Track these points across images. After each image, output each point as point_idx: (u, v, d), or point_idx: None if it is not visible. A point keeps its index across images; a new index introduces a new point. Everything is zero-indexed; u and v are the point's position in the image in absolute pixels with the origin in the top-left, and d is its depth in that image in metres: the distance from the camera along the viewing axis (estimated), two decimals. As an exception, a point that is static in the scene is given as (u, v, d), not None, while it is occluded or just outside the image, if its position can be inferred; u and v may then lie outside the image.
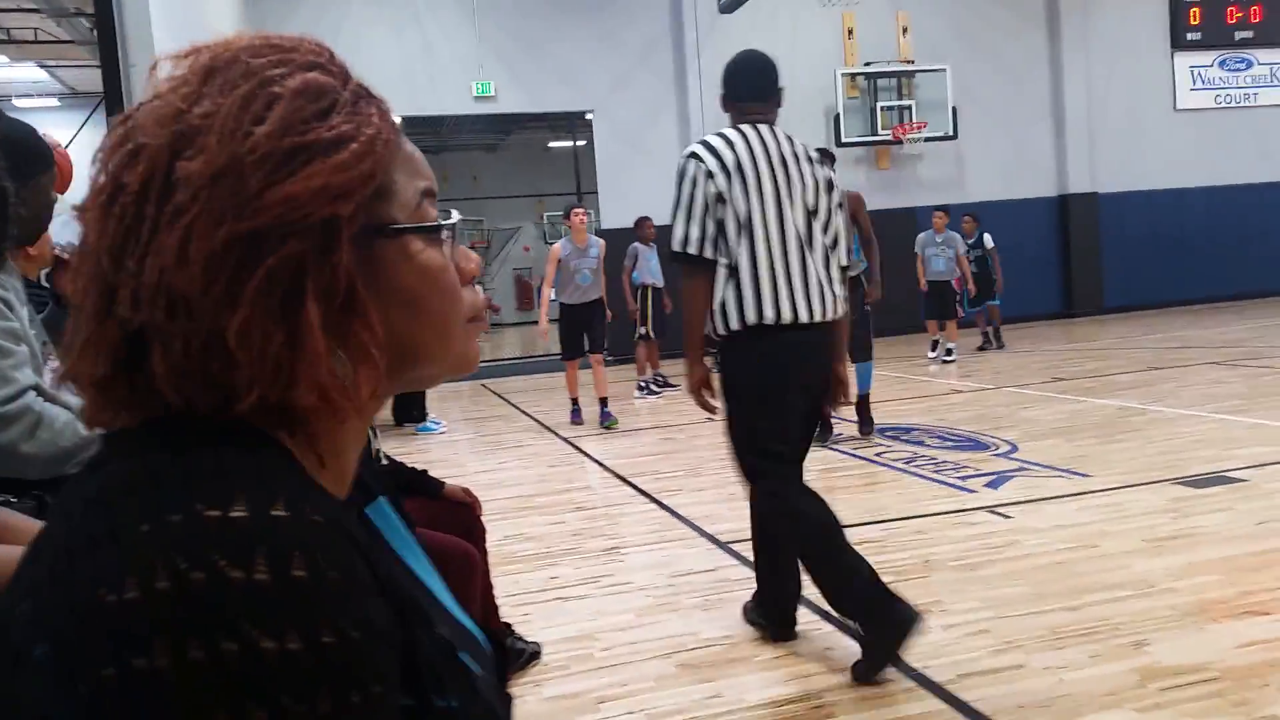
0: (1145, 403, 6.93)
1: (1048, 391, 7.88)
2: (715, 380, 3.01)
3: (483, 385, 11.23)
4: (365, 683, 0.49)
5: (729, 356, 2.96)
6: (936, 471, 5.29)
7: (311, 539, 0.50)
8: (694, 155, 2.91)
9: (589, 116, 13.90)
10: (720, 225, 2.87)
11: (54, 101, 16.54)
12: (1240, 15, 15.30)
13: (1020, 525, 4.12)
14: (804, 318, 2.88)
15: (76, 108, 14.93)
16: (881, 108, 13.92)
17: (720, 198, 2.86)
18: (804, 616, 3.16)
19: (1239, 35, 15.35)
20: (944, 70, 13.88)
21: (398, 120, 0.64)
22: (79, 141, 8.42)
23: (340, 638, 0.48)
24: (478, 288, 0.68)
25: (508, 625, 3.00)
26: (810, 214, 2.95)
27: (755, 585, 3.20)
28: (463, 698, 0.59)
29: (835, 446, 6.17)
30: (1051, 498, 4.55)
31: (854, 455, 5.90)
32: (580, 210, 7.82)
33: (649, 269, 9.22)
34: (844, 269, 3.12)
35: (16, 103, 15.86)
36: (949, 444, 6.04)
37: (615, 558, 4.12)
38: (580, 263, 7.63)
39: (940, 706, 2.56)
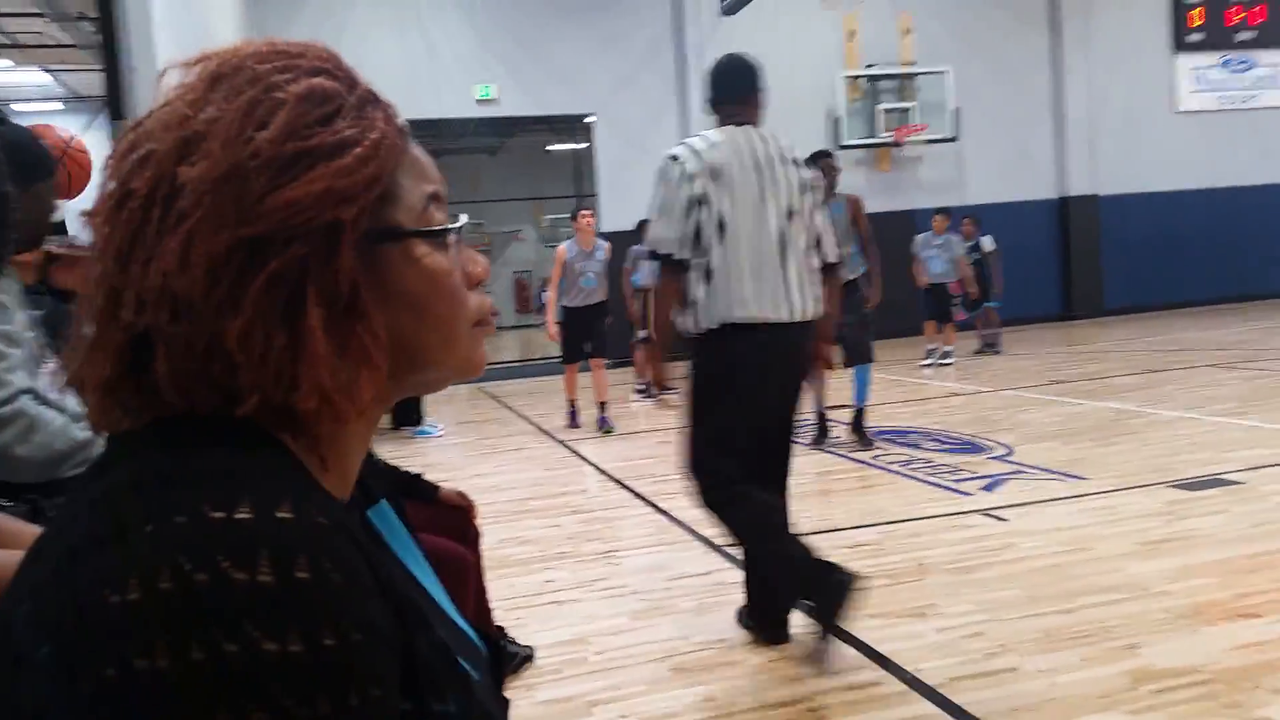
0: (1143, 405, 6.93)
1: (1045, 394, 7.88)
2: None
3: (480, 389, 11.23)
4: (365, 685, 0.50)
5: (702, 354, 3.00)
6: (932, 474, 5.29)
7: (315, 541, 0.51)
8: (675, 157, 2.95)
9: (590, 119, 13.92)
10: (699, 226, 2.91)
11: (57, 106, 16.56)
12: (1241, 17, 15.29)
13: (1015, 528, 4.13)
14: (778, 317, 2.93)
15: (79, 112, 14.96)
16: (883, 110, 13.93)
17: (700, 199, 2.90)
18: (797, 620, 3.17)
19: (1240, 37, 15.34)
20: (945, 72, 13.89)
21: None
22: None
23: (342, 640, 0.49)
24: (485, 292, 0.68)
25: (501, 629, 3.00)
26: (789, 215, 2.99)
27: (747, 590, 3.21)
28: (460, 702, 0.60)
29: (831, 449, 6.17)
30: (1047, 501, 4.55)
31: (849, 458, 5.91)
32: (588, 212, 7.82)
33: (649, 272, 9.21)
34: (832, 265, 3.16)
35: (20, 107, 15.88)
36: (945, 447, 6.04)
37: (610, 561, 4.13)
38: (585, 265, 7.63)
39: (933, 710, 2.56)
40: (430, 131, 18.06)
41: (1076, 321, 14.56)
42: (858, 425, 6.17)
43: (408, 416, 8.04)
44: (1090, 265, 14.85)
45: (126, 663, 0.46)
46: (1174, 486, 4.61)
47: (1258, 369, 8.38)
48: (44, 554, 0.53)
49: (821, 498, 5.11)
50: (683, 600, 3.55)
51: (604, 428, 7.54)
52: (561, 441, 7.33)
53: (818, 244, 3.11)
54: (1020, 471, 5.19)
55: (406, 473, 2.80)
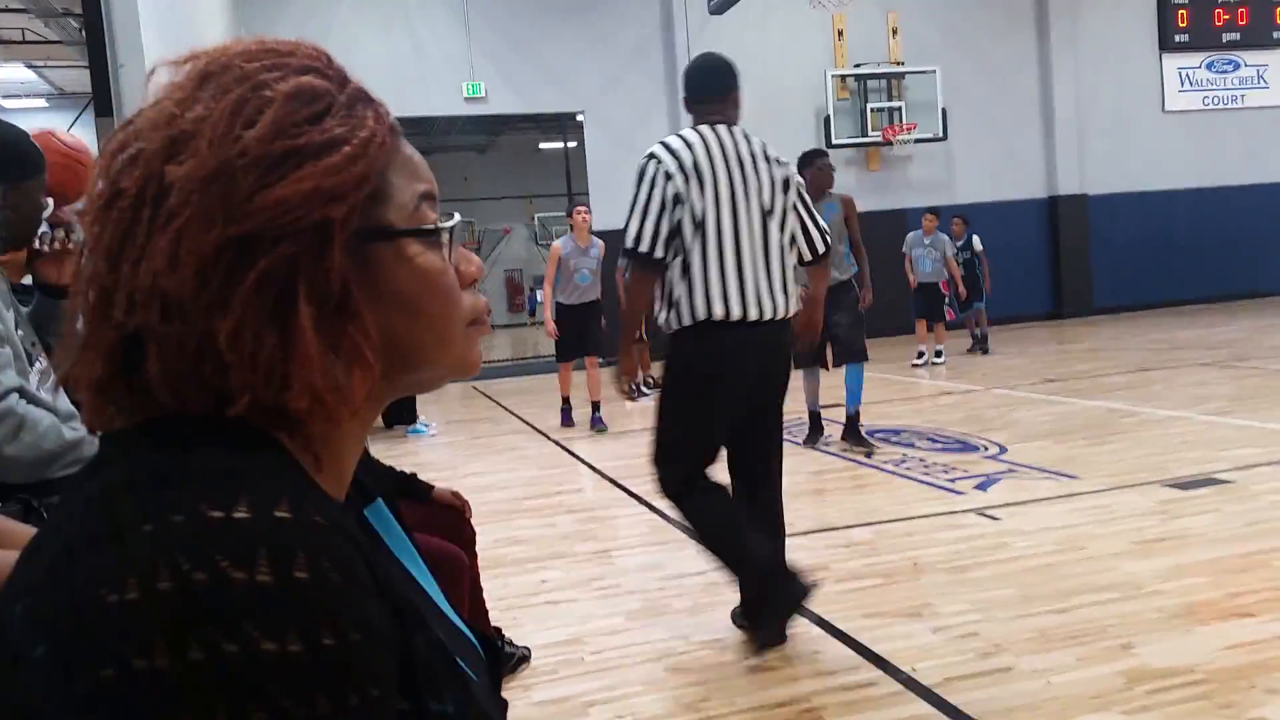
0: (1134, 404, 6.96)
1: (1037, 393, 7.90)
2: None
3: (472, 387, 11.21)
4: (364, 685, 0.49)
5: (678, 350, 3.03)
6: (926, 473, 5.30)
7: (314, 540, 0.50)
8: (653, 156, 2.98)
9: (580, 118, 13.92)
10: (677, 225, 2.93)
11: (42, 102, 16.47)
12: (1228, 18, 15.39)
13: (1009, 527, 4.13)
14: (753, 315, 2.95)
15: (65, 108, 14.88)
16: (871, 109, 13.97)
17: (678, 199, 2.92)
18: (794, 621, 3.17)
19: (1226, 37, 15.44)
20: (934, 72, 13.93)
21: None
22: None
23: (340, 639, 0.49)
24: (479, 291, 0.68)
25: (497, 629, 2.99)
26: (766, 213, 3.01)
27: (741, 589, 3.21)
28: (458, 702, 0.59)
29: (824, 448, 6.17)
30: (1040, 500, 4.56)
31: (843, 457, 5.91)
32: (583, 209, 7.81)
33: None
34: (821, 255, 3.19)
35: (4, 103, 15.79)
36: (938, 446, 6.05)
37: (605, 561, 4.12)
38: (580, 262, 7.62)
39: (928, 710, 2.56)
40: (418, 129, 18.07)
41: (1066, 320, 14.62)
42: (854, 430, 6.04)
43: (400, 415, 8.02)
44: (1079, 264, 14.92)
45: (124, 662, 0.46)
46: (1166, 485, 4.63)
47: (1248, 368, 8.43)
48: (40, 553, 0.52)
49: (815, 497, 5.11)
50: (678, 600, 3.54)
51: (597, 427, 7.53)
52: (555, 441, 7.32)
53: (806, 237, 3.14)
54: (1013, 470, 5.20)
55: (401, 472, 2.79)
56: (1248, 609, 3.05)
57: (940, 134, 14.00)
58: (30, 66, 14.94)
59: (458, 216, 0.66)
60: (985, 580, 3.49)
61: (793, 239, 3.12)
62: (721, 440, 3.06)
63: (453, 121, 17.63)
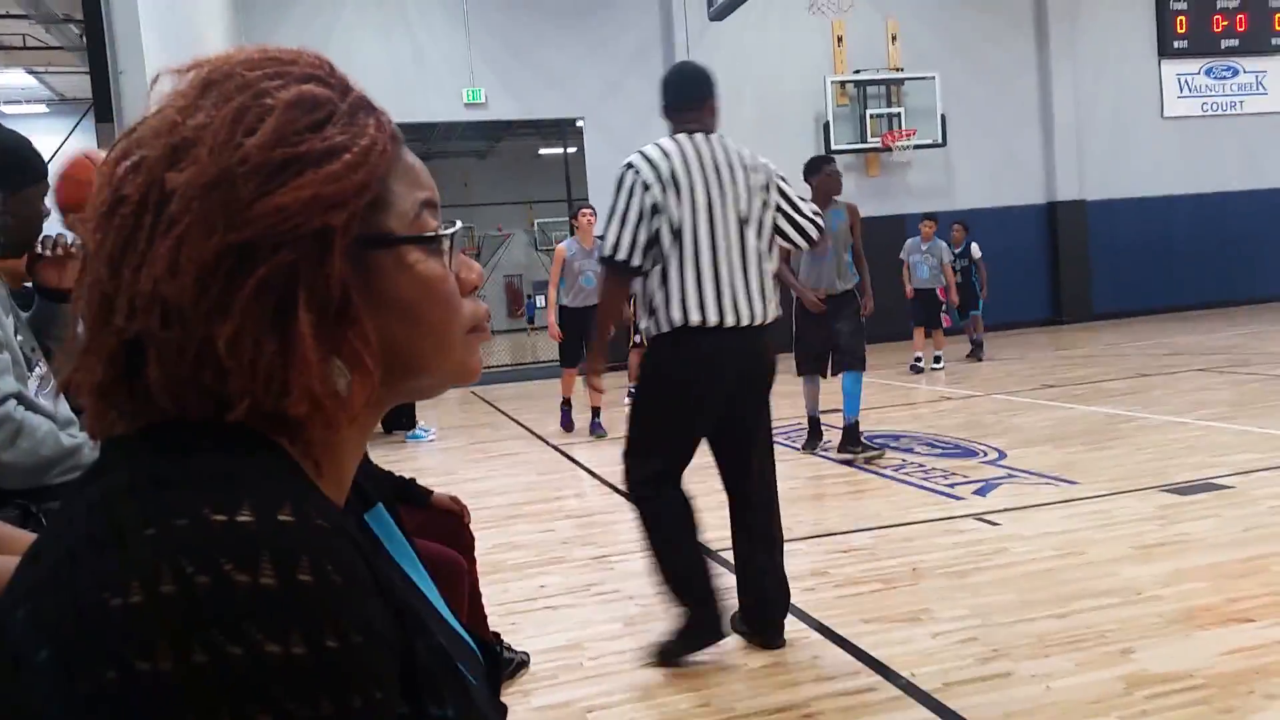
0: (1133, 409, 6.96)
1: (1036, 398, 7.91)
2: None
3: (471, 392, 11.21)
4: (367, 687, 0.50)
5: (656, 355, 3.07)
6: (925, 478, 5.30)
7: (317, 544, 0.50)
8: (631, 166, 3.02)
9: (580, 123, 13.94)
10: (655, 234, 2.97)
11: (42, 108, 16.50)
12: (1226, 24, 15.43)
13: (1008, 532, 4.13)
14: (730, 321, 2.99)
15: (65, 114, 14.90)
16: (871, 115, 13.99)
17: (656, 208, 2.96)
18: (792, 625, 3.17)
19: (1225, 43, 15.48)
20: (933, 78, 13.95)
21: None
22: (68, 148, 8.40)
23: (344, 642, 0.49)
24: (479, 298, 0.68)
25: (496, 634, 2.99)
26: (743, 221, 3.04)
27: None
28: (458, 706, 0.59)
29: (824, 454, 6.17)
30: (1040, 505, 4.56)
31: (842, 462, 5.90)
32: (588, 210, 7.80)
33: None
34: (816, 240, 3.24)
35: (5, 109, 15.81)
36: (938, 451, 6.05)
37: (604, 566, 4.12)
38: (585, 264, 7.61)
39: (927, 715, 2.56)
40: (418, 135, 18.10)
41: (1065, 326, 14.63)
42: (853, 437, 5.94)
43: (399, 421, 8.02)
44: (1078, 270, 14.93)
45: (127, 665, 0.46)
46: (1166, 491, 4.63)
47: (1246, 373, 8.43)
48: (42, 557, 0.53)
49: (815, 502, 5.11)
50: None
51: (597, 433, 7.52)
52: (554, 446, 7.32)
53: (796, 228, 3.17)
54: (1013, 476, 5.20)
55: (400, 477, 2.79)
56: (1247, 614, 3.05)
57: (939, 140, 14.02)
58: (31, 72, 14.96)
59: (459, 224, 0.67)
60: (984, 585, 3.49)
61: (782, 234, 3.16)
62: (694, 444, 3.08)
63: (453, 127, 17.66)
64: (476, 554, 2.82)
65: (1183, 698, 2.53)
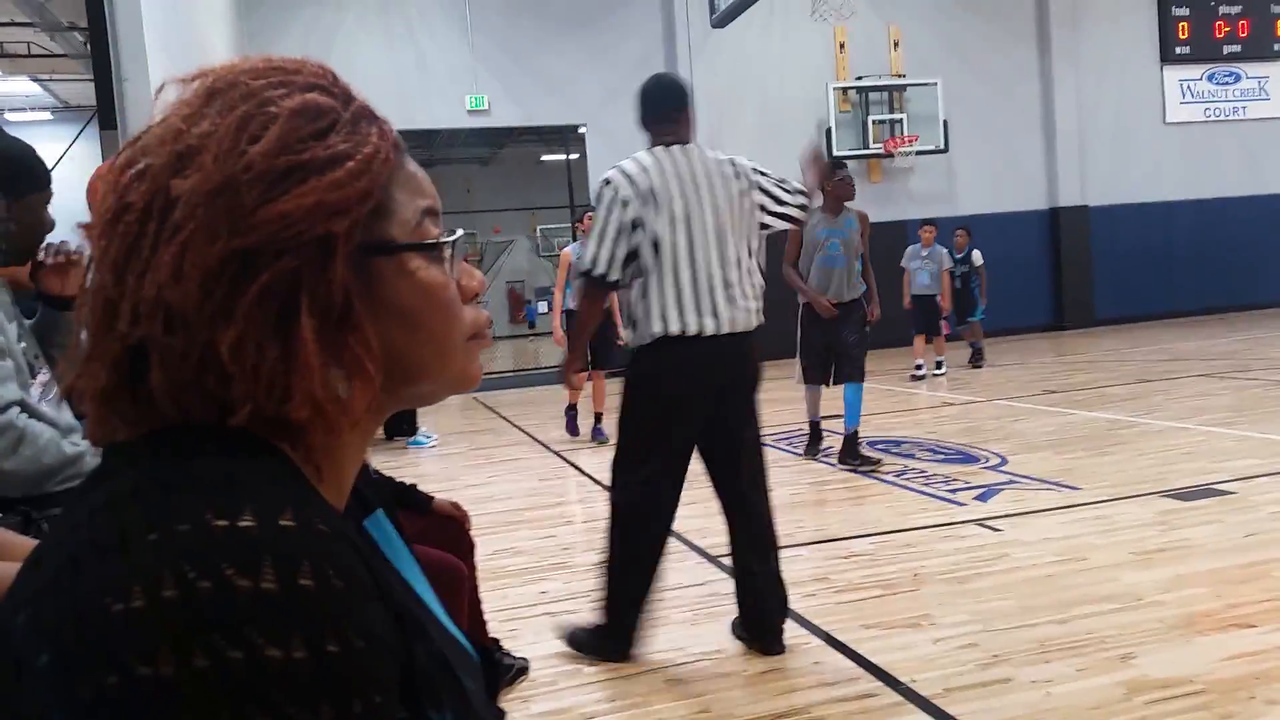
0: (1135, 415, 6.96)
1: (1038, 404, 7.90)
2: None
3: (473, 399, 11.21)
4: (367, 692, 0.50)
5: (639, 366, 3.11)
6: (926, 484, 5.30)
7: (318, 549, 0.51)
8: (609, 182, 3.06)
9: (582, 130, 13.94)
10: (636, 248, 3.01)
11: (47, 115, 16.54)
12: (1228, 30, 15.42)
13: (1009, 538, 4.13)
14: (710, 329, 3.01)
15: (69, 121, 14.93)
16: (873, 121, 13.99)
17: (636, 223, 2.99)
18: (792, 631, 3.17)
19: (1227, 49, 15.47)
20: (935, 84, 13.95)
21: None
22: (72, 155, 8.42)
23: (345, 647, 0.49)
24: (480, 305, 0.68)
25: (496, 640, 2.99)
26: (723, 230, 3.06)
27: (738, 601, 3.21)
28: (457, 712, 0.60)
29: (825, 460, 6.17)
30: (1041, 510, 4.56)
31: (843, 468, 5.90)
32: (592, 215, 7.77)
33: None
34: (802, 206, 3.25)
35: (9, 116, 15.86)
36: (939, 457, 6.05)
37: (605, 572, 4.11)
38: None
39: (928, 720, 2.56)
40: (421, 141, 18.13)
41: (1067, 332, 14.62)
42: (853, 448, 5.90)
43: (401, 427, 8.02)
44: (1081, 276, 14.92)
45: (129, 670, 0.46)
46: (1167, 496, 4.62)
47: (1248, 379, 8.43)
48: (44, 563, 0.53)
49: (816, 508, 5.11)
50: (677, 611, 3.54)
51: (599, 438, 7.52)
52: (556, 452, 7.32)
53: (784, 213, 3.19)
54: (1014, 481, 5.20)
55: (401, 484, 2.79)
56: (1248, 619, 3.05)
57: (941, 146, 14.01)
58: (36, 80, 15.01)
59: (460, 231, 0.67)
60: (985, 591, 3.49)
61: (772, 224, 3.20)
62: (682, 455, 3.10)
63: (456, 134, 17.67)
64: (477, 560, 2.82)
65: (1183, 703, 2.53)
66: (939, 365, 10.30)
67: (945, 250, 10.20)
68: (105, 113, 5.48)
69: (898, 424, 7.44)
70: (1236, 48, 15.45)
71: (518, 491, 5.97)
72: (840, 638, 3.15)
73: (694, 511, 4.91)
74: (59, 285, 2.11)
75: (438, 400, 0.68)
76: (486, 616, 2.88)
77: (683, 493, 3.15)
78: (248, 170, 0.56)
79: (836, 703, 2.70)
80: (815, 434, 6.36)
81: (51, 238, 2.06)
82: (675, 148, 3.09)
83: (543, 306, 24.78)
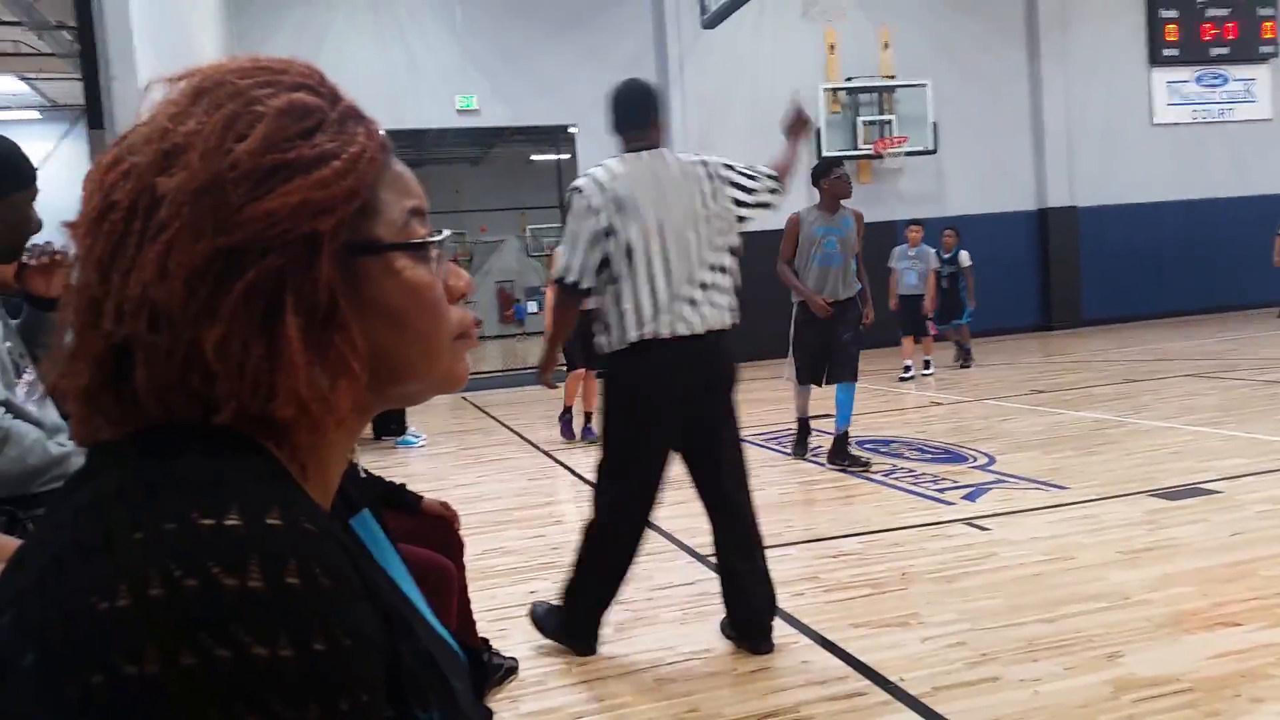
0: (1122, 415, 6.99)
1: (1026, 404, 7.93)
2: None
3: (462, 398, 11.19)
4: (354, 690, 0.50)
5: (614, 371, 3.12)
6: (915, 484, 5.31)
7: (305, 547, 0.51)
8: (579, 190, 3.07)
9: (572, 130, 13.93)
10: (607, 255, 3.02)
11: (34, 114, 16.44)
12: (1216, 32, 15.51)
13: (997, 537, 4.15)
14: (683, 331, 3.03)
15: (57, 120, 14.86)
16: (863, 122, 14.03)
17: (607, 231, 3.00)
18: (781, 630, 3.17)
19: (1215, 51, 15.55)
20: (925, 85, 13.99)
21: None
22: (59, 154, 8.38)
23: (332, 645, 0.49)
24: (467, 305, 0.68)
25: (485, 640, 2.99)
26: (695, 233, 3.07)
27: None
28: (443, 711, 0.60)
29: (813, 459, 6.18)
30: (1028, 510, 4.58)
31: (831, 468, 5.91)
32: None
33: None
34: (777, 188, 3.26)
35: (-4, 115, 15.76)
36: (927, 456, 6.07)
37: (595, 571, 4.11)
38: None
39: (916, 719, 2.57)
40: (411, 141, 18.09)
41: (1055, 332, 14.67)
42: (842, 449, 5.90)
43: (389, 426, 8.01)
44: (1069, 276, 14.98)
45: (115, 669, 0.46)
46: (1154, 495, 4.65)
47: (1234, 379, 8.47)
48: (28, 562, 0.52)
49: (805, 507, 5.12)
50: (666, 611, 3.54)
51: (589, 438, 7.52)
52: (545, 451, 7.32)
53: (756, 199, 3.19)
54: (1002, 481, 5.22)
55: (389, 483, 2.79)
56: (1234, 618, 3.07)
57: (931, 147, 14.05)
58: (23, 79, 14.91)
59: (447, 232, 0.67)
60: (973, 590, 3.50)
61: (759, 206, 3.20)
62: (661, 459, 3.11)
63: (445, 134, 17.64)
64: (466, 559, 2.82)
65: (1170, 701, 2.55)
66: (927, 365, 10.31)
67: (932, 250, 10.20)
68: (93, 112, 5.46)
69: (886, 423, 7.46)
70: (1224, 50, 15.54)
71: (506, 491, 5.96)
72: (829, 637, 3.15)
73: (682, 511, 4.91)
74: (44, 286, 2.10)
75: (424, 400, 0.68)
76: (476, 616, 2.88)
77: (671, 493, 3.16)
78: (233, 168, 0.56)
79: (825, 701, 2.70)
80: (804, 431, 6.34)
81: (39, 237, 2.05)
82: (646, 153, 3.10)
83: (532, 306, 24.79)
